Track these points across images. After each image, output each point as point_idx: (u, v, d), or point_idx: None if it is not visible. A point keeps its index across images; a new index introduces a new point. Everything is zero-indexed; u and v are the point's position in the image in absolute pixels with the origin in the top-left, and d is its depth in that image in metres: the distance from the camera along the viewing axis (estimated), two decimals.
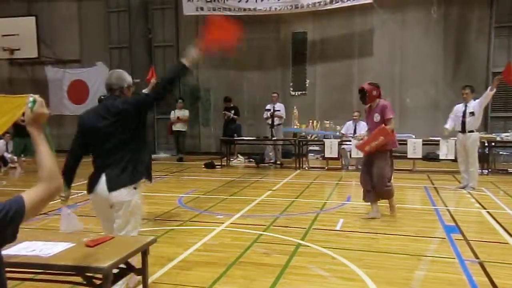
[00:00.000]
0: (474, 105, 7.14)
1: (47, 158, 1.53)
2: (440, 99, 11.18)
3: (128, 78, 3.11)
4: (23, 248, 2.20)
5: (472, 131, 7.16)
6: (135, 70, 13.02)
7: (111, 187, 2.88)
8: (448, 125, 7.44)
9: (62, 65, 13.65)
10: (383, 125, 5.14)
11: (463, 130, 7.21)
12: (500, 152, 9.99)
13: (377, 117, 5.27)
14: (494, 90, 7.01)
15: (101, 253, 2.20)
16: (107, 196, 2.90)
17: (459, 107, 7.33)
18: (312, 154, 11.52)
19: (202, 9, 11.86)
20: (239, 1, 11.51)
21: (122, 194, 2.89)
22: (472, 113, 7.13)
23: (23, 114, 1.64)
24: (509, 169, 9.27)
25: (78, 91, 13.45)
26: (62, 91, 13.61)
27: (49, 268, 2.15)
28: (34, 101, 1.58)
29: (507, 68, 7.31)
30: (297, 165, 9.99)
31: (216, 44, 3.16)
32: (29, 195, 1.43)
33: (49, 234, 2.52)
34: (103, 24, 13.19)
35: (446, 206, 6.06)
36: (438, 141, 9.03)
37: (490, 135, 9.32)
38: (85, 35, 13.56)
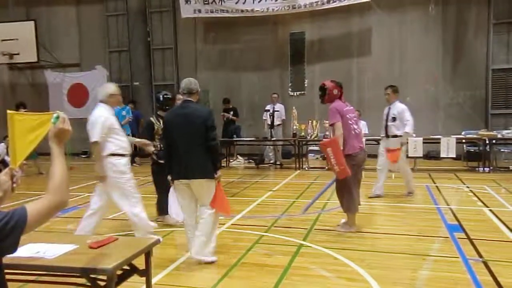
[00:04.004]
0: (398, 110, 6.42)
1: (59, 172, 1.54)
2: (440, 97, 11.18)
3: None
4: (27, 250, 2.19)
5: (395, 136, 6.46)
6: (134, 73, 13.08)
7: None
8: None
9: (62, 69, 13.65)
10: (324, 139, 4.80)
11: (386, 135, 6.55)
12: (501, 150, 9.96)
13: (327, 121, 4.85)
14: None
15: (105, 254, 2.20)
16: None
17: (385, 110, 6.62)
18: (312, 155, 11.51)
19: (199, 11, 11.86)
20: (236, 3, 11.50)
21: None
22: (394, 119, 6.45)
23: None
24: (510, 167, 9.24)
25: (78, 94, 13.45)
26: (62, 95, 13.61)
27: (54, 270, 2.14)
28: (58, 117, 1.63)
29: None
30: (297, 166, 9.98)
31: None
32: (33, 207, 1.43)
33: (52, 236, 2.51)
34: (102, 28, 13.20)
35: (449, 205, 6.05)
36: (439, 139, 9.03)
37: (490, 133, 9.31)
38: (84, 39, 13.57)
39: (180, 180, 3.89)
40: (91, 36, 13.41)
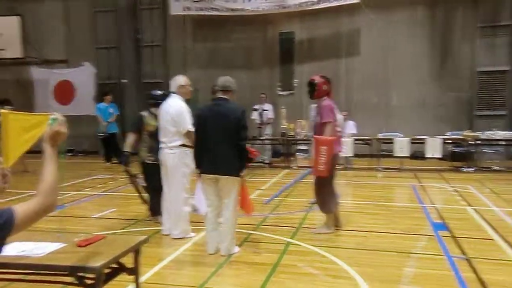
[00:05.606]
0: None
1: (50, 174, 1.53)
2: (426, 98, 11.33)
3: None
4: (13, 249, 2.17)
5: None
6: (123, 70, 12.95)
7: None
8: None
9: (48, 65, 13.44)
10: (317, 135, 4.60)
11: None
12: (484, 150, 10.15)
13: (317, 118, 4.71)
14: None
15: (93, 253, 2.19)
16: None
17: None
18: (301, 154, 11.57)
19: (189, 8, 11.81)
20: (226, 1, 11.49)
21: None
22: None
23: None
24: (493, 167, 9.44)
25: (64, 91, 13.26)
26: (48, 92, 13.41)
27: (41, 269, 2.13)
28: (55, 119, 1.62)
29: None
30: (286, 165, 10.01)
31: None
32: (22, 208, 1.41)
33: (39, 235, 2.48)
34: (89, 24, 13.03)
35: (434, 204, 6.15)
36: (425, 139, 9.16)
37: (474, 133, 9.48)
38: (72, 35, 13.37)
39: (208, 175, 3.99)
40: (79, 32, 13.21)
